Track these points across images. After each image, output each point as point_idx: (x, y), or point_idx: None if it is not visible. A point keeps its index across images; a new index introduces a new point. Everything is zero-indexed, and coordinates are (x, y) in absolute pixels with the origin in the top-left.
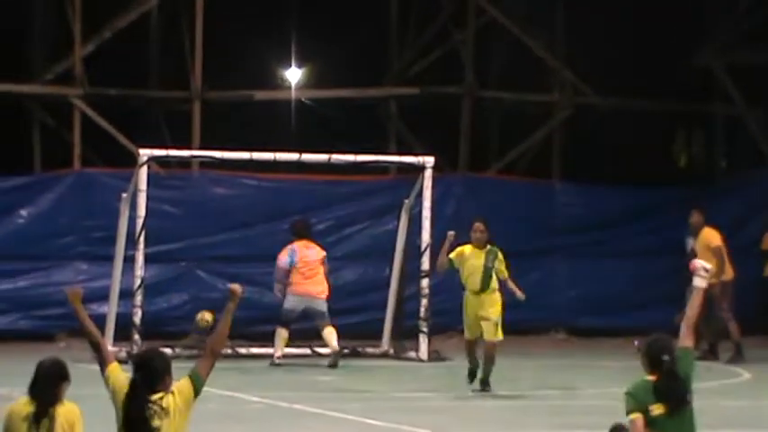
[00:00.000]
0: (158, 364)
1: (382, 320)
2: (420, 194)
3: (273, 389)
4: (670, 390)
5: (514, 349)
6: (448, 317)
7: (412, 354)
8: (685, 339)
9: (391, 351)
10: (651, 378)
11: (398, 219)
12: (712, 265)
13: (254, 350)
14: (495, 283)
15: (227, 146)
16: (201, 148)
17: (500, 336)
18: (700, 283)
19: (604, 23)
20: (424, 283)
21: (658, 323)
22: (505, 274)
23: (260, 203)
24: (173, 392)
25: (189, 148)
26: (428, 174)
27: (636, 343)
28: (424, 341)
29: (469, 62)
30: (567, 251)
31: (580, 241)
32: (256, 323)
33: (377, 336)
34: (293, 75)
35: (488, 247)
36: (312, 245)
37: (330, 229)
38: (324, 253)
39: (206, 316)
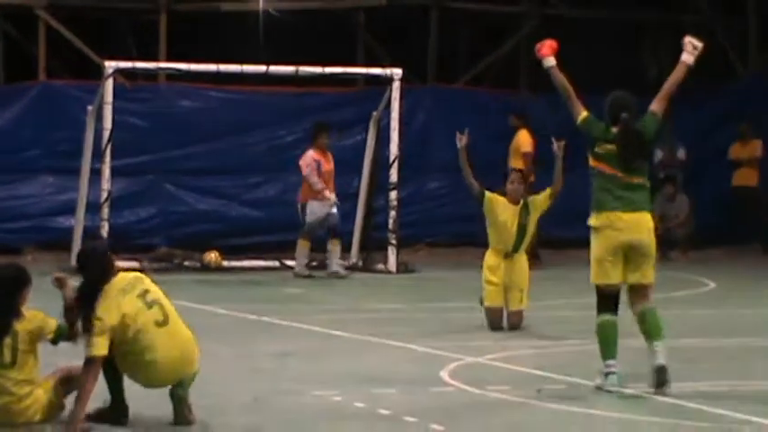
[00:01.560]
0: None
1: (351, 233)
2: (388, 106)
3: (241, 301)
4: (625, 139)
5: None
6: (416, 229)
7: (380, 266)
8: (655, 104)
9: (360, 263)
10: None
11: (367, 131)
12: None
13: (224, 263)
14: (528, 240)
15: (195, 58)
16: (168, 60)
17: (527, 304)
18: (686, 57)
19: None
20: (393, 195)
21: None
22: (553, 192)
23: (227, 116)
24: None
25: (155, 60)
26: (396, 86)
27: None
28: (392, 253)
29: None
30: (537, 162)
31: (549, 152)
32: (224, 236)
33: (345, 248)
34: None
35: (522, 201)
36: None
37: (299, 142)
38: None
39: (212, 256)
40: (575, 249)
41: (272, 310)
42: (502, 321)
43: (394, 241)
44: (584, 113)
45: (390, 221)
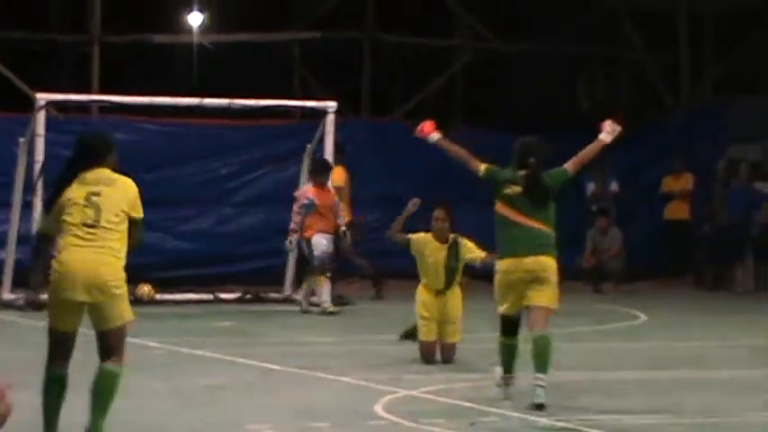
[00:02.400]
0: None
1: (285, 265)
2: (323, 139)
3: (175, 334)
4: (531, 181)
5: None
6: (350, 261)
7: (314, 298)
8: (570, 164)
9: (294, 296)
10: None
11: (301, 163)
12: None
13: (157, 296)
14: (458, 278)
15: (129, 90)
16: (101, 92)
17: (460, 337)
18: (604, 137)
19: None
20: None
21: (562, 265)
22: (482, 255)
23: (161, 148)
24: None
25: (88, 92)
26: (330, 118)
27: None
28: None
29: (371, 6)
30: (469, 198)
31: (482, 187)
32: (158, 269)
33: (280, 281)
34: (195, 18)
35: (451, 238)
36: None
37: (233, 174)
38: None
39: (145, 289)
40: None
41: (206, 344)
42: (435, 354)
43: (329, 274)
44: (482, 166)
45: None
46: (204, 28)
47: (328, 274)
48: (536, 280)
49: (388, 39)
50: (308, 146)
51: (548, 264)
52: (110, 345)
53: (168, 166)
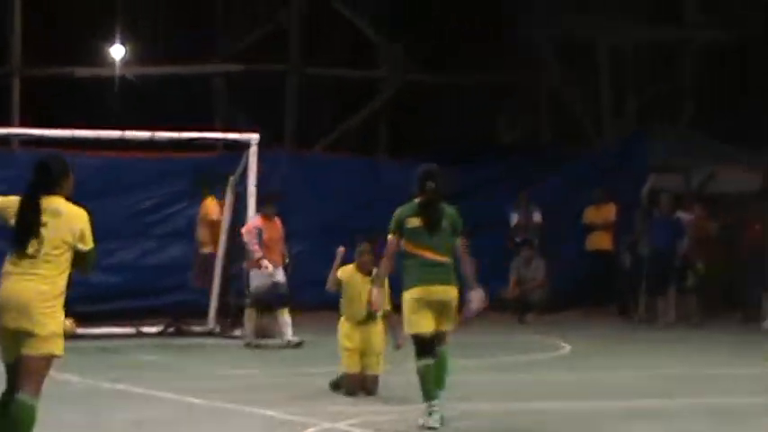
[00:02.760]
0: (54, 166)
1: (208, 298)
2: (246, 171)
3: (96, 369)
4: (429, 207)
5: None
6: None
7: (237, 332)
8: (461, 248)
9: (217, 329)
10: (417, 199)
11: (224, 196)
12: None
13: (79, 330)
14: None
15: (51, 123)
16: (22, 125)
17: (383, 368)
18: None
19: (431, 1)
20: None
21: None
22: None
23: (84, 182)
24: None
25: (8, 125)
26: (253, 150)
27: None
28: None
29: (295, 39)
30: None
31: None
32: (80, 302)
33: (202, 314)
34: (117, 51)
35: (374, 271)
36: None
37: (155, 207)
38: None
39: (66, 323)
40: None
41: (128, 378)
42: (358, 386)
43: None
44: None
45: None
46: (127, 61)
47: (284, 309)
48: (444, 308)
49: (313, 71)
50: (231, 178)
51: (453, 295)
52: (27, 372)
53: (91, 200)
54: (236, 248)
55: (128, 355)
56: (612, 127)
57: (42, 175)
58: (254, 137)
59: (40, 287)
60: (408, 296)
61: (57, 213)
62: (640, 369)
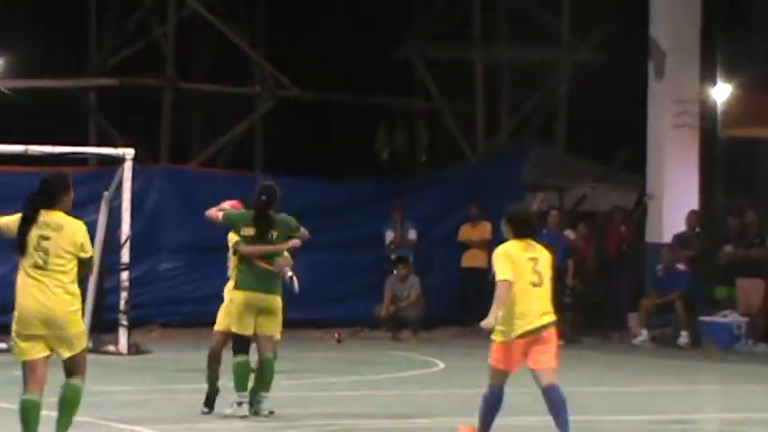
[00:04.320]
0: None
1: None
2: (120, 186)
3: None
4: (260, 219)
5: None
6: (148, 309)
7: (111, 347)
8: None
9: (90, 344)
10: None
11: (98, 211)
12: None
13: None
14: None
15: None
16: None
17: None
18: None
19: (307, 17)
20: (124, 275)
21: (358, 315)
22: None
23: None
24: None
25: None
26: (128, 165)
27: (336, 335)
28: (123, 334)
29: (170, 54)
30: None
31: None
32: None
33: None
34: None
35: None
36: None
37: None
38: None
39: None
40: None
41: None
42: None
43: (125, 322)
44: (219, 215)
45: (122, 302)
46: (1, 73)
47: None
48: (266, 312)
49: (188, 86)
50: (105, 193)
51: (275, 301)
52: (77, 365)
53: None
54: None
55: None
56: (487, 146)
57: (44, 191)
58: (129, 151)
59: (62, 296)
60: (236, 297)
61: (58, 227)
62: (511, 386)
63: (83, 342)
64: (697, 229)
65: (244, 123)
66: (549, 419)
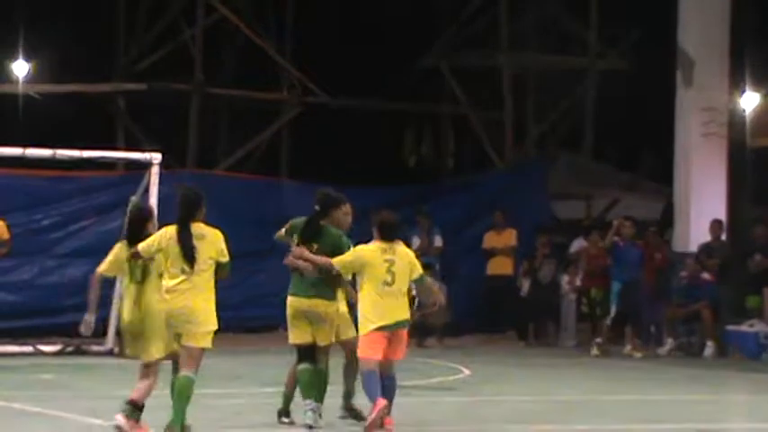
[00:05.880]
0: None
1: (107, 318)
2: (147, 191)
3: None
4: (305, 227)
5: (245, 347)
6: None
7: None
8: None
9: (116, 349)
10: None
11: (126, 215)
12: None
13: None
14: None
15: None
16: None
17: None
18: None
19: (335, 24)
20: None
21: None
22: None
23: None
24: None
25: None
26: (155, 170)
27: None
28: None
29: (198, 59)
30: None
31: None
32: None
33: (102, 333)
34: (21, 68)
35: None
36: None
37: (56, 226)
38: None
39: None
40: None
41: (25, 397)
42: None
43: None
44: (281, 231)
45: None
46: (30, 78)
47: None
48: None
49: (216, 92)
50: (133, 198)
51: (322, 305)
52: (190, 356)
53: None
54: None
55: (25, 373)
56: (514, 153)
57: (186, 206)
58: (156, 156)
59: (200, 295)
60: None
61: (201, 236)
62: (539, 394)
63: (204, 341)
64: (722, 238)
65: (271, 129)
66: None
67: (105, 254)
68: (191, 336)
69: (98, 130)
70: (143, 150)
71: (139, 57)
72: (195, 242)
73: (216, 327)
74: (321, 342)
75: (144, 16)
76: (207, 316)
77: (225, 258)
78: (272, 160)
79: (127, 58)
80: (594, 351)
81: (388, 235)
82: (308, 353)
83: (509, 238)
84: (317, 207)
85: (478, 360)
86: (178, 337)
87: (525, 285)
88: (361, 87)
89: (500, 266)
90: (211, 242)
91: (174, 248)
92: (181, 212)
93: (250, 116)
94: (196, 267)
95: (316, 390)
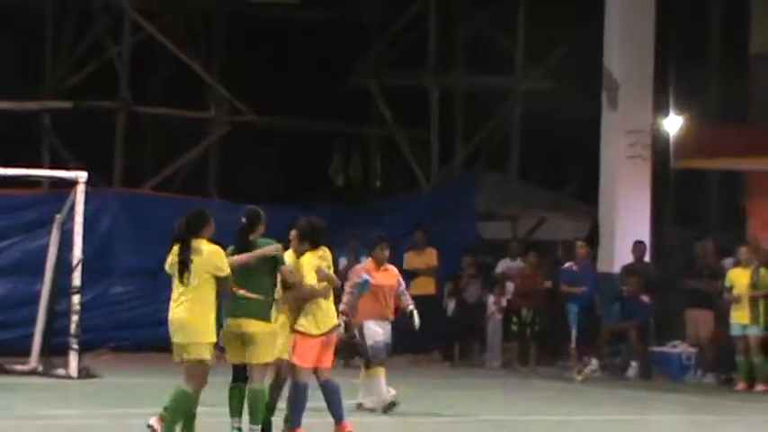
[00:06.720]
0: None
1: (32, 336)
2: (72, 209)
3: None
4: (238, 242)
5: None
6: (100, 333)
7: (61, 371)
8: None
9: (40, 368)
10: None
11: (50, 234)
12: None
13: None
14: None
15: None
16: None
17: None
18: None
19: (264, 42)
20: (75, 299)
21: None
22: None
23: None
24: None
25: None
26: (80, 188)
27: None
28: (74, 358)
29: (124, 77)
30: None
31: None
32: None
33: (26, 352)
34: None
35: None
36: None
37: None
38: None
39: None
40: None
41: None
42: None
43: (76, 346)
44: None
45: (72, 326)
46: None
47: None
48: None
49: (143, 110)
50: (58, 216)
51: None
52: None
53: None
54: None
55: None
56: (440, 174)
57: (189, 224)
58: (81, 174)
59: (195, 307)
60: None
61: (198, 252)
62: (464, 415)
63: (199, 354)
64: (646, 259)
65: (199, 148)
66: None
67: (29, 272)
68: (184, 347)
69: (23, 148)
70: (69, 169)
71: (66, 74)
72: (192, 257)
73: (212, 339)
74: (254, 361)
75: (71, 33)
76: (199, 328)
77: (222, 273)
78: (200, 179)
79: (53, 75)
80: (578, 377)
81: (320, 241)
82: (240, 372)
83: (430, 257)
84: (244, 220)
85: (403, 381)
86: (178, 347)
87: (451, 305)
88: (289, 106)
89: (422, 287)
90: (207, 258)
91: (174, 262)
92: (185, 229)
93: (178, 134)
94: (190, 281)
95: (240, 409)
